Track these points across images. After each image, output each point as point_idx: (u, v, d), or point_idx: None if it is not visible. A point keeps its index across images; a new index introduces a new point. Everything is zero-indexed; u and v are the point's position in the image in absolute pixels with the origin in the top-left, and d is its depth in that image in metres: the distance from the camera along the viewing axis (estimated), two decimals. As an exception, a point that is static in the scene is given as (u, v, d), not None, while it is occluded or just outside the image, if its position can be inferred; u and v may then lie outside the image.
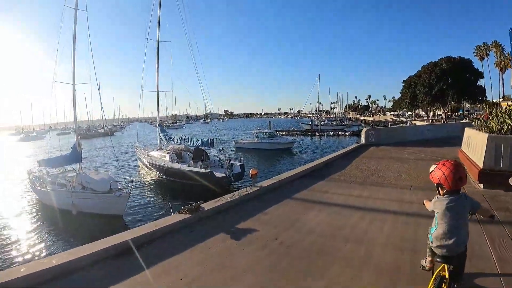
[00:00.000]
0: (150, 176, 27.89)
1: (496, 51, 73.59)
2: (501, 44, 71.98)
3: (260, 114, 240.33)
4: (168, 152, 27.02)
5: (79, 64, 19.80)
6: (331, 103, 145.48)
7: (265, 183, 10.06)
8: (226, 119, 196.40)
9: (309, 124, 71.67)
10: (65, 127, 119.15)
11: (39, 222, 17.32)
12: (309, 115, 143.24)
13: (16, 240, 14.76)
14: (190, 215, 7.15)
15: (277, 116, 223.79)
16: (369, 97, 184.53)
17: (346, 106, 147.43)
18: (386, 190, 8.94)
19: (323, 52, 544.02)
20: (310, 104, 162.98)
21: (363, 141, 20.25)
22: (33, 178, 21.05)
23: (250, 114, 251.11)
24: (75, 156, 20.00)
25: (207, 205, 7.82)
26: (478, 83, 64.81)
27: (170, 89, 36.17)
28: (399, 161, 13.81)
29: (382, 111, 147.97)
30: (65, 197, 17.28)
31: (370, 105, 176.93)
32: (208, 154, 25.44)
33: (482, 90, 64.73)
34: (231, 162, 22.80)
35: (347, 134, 57.02)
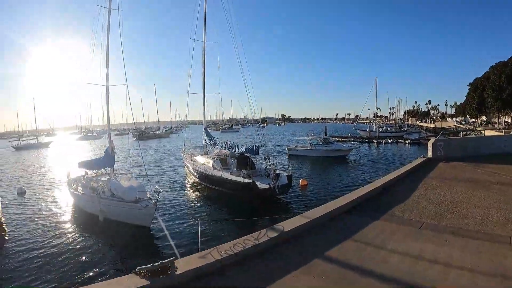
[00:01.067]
0: (192, 182, 26.26)
1: None
2: None
3: (317, 118, 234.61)
4: (212, 158, 25.17)
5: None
6: (390, 109, 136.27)
7: (290, 223, 7.03)
8: (283, 124, 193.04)
9: (366, 131, 66.44)
10: (125, 128, 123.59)
11: (64, 226, 16.60)
12: (367, 121, 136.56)
13: (27, 246, 13.87)
14: (147, 283, 4.43)
15: (334, 121, 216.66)
16: (429, 102, 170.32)
17: (405, 112, 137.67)
18: (473, 245, 5.71)
19: (382, 54, 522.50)
20: (368, 109, 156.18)
21: (429, 154, 16.27)
22: (71, 180, 20.63)
23: (307, 118, 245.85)
24: (107, 160, 19.27)
25: (186, 264, 5.09)
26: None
27: (217, 92, 34.15)
28: (479, 186, 10.20)
29: (444, 117, 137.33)
30: (94, 202, 16.50)
31: (431, 110, 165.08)
32: (254, 161, 22.91)
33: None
34: (278, 172, 20.07)
35: (407, 142, 51.41)
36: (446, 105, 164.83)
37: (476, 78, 68.56)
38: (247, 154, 22.08)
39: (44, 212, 19.18)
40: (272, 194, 18.37)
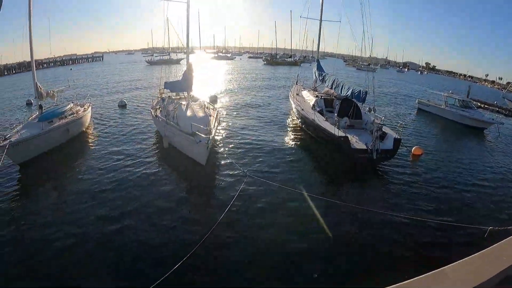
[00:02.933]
0: (289, 120, 23.71)
1: None
2: None
3: (464, 75, 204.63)
4: (317, 96, 21.69)
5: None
6: None
7: None
8: (425, 72, 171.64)
9: None
10: (259, 52, 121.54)
11: (138, 146, 17.04)
12: None
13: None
14: None
15: (483, 82, 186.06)
16: None
17: None
18: None
19: None
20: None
21: None
22: (160, 99, 20.17)
23: (453, 72, 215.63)
24: (183, 83, 18.24)
25: None
26: None
27: (337, 20, 28.67)
28: None
29: None
30: (162, 126, 15.94)
31: None
32: (363, 111, 18.91)
33: None
34: (385, 130, 15.84)
35: None
36: None
37: None
38: (353, 100, 18.19)
39: (129, 128, 20.11)
40: (368, 159, 14.37)
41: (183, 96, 20.44)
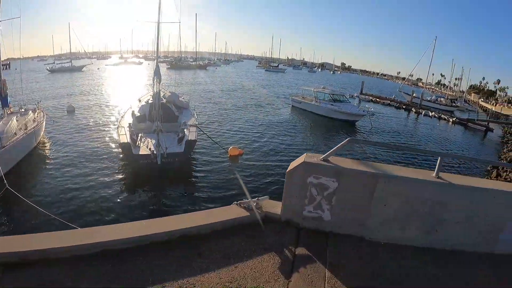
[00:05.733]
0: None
1: None
2: None
3: (377, 73, 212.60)
4: (147, 101, 18.68)
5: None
6: (455, 79, 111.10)
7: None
8: (339, 72, 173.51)
9: (409, 95, 49.65)
10: (168, 56, 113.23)
11: None
12: (427, 86, 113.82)
13: None
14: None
15: (394, 79, 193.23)
16: (498, 82, 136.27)
17: (470, 86, 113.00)
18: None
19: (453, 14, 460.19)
20: (433, 74, 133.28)
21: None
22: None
23: (367, 71, 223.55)
24: None
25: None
26: None
27: (176, 20, 22.44)
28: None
29: (510, 102, 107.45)
30: None
31: (498, 91, 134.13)
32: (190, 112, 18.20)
33: None
34: (187, 132, 13.85)
35: (451, 120, 35.87)
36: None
37: None
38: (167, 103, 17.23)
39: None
40: (150, 164, 12.24)
41: (23, 110, 17.34)
